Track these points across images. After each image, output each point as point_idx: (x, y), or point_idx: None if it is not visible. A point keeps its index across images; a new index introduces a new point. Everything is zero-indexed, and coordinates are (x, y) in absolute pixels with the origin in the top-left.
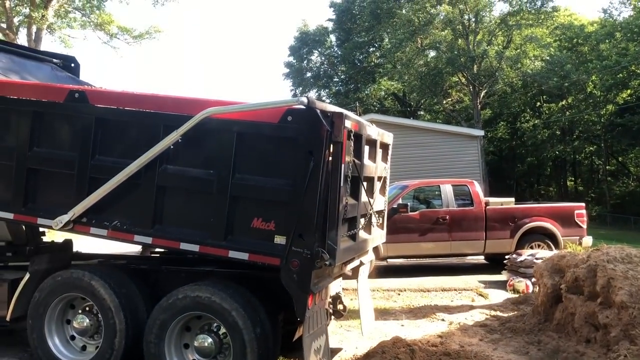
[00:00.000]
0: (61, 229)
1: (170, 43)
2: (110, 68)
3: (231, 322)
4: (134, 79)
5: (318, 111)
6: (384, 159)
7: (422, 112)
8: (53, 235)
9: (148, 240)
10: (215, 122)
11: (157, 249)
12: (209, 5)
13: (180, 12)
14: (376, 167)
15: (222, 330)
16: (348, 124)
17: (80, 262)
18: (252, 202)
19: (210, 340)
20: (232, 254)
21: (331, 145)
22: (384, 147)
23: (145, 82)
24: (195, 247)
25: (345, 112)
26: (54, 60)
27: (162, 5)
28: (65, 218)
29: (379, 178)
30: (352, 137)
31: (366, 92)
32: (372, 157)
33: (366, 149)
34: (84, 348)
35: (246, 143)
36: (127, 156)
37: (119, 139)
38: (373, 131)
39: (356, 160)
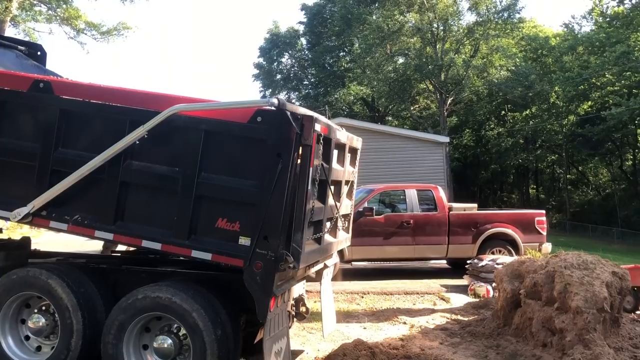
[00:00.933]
0: (20, 222)
1: (140, 41)
2: (77, 64)
3: (191, 323)
4: (102, 76)
5: (288, 113)
6: (352, 163)
7: (390, 118)
8: (10, 233)
9: (109, 236)
10: (183, 120)
11: (118, 249)
12: (180, 5)
13: (152, 11)
14: (344, 171)
15: (182, 331)
16: (318, 127)
17: (38, 260)
18: (217, 202)
19: (170, 341)
20: (195, 253)
21: (300, 148)
22: (353, 151)
23: (113, 80)
24: (157, 245)
25: (315, 115)
26: (20, 47)
27: (132, 2)
28: (24, 210)
29: (347, 182)
30: (321, 141)
31: (335, 96)
32: (341, 161)
33: (335, 152)
34: (39, 349)
35: (214, 142)
36: (92, 150)
37: (83, 132)
38: (342, 135)
39: (324, 164)
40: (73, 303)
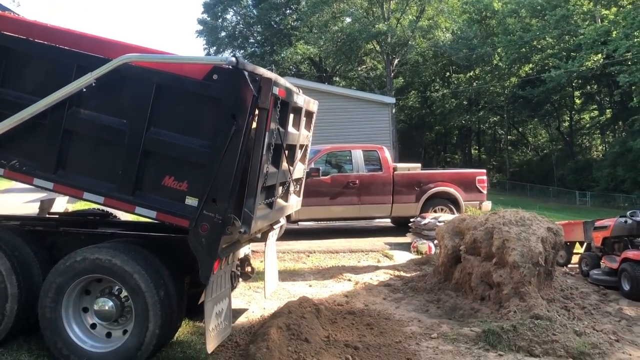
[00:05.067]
0: None
1: None
2: None
3: (133, 285)
4: None
5: (246, 74)
6: (308, 127)
7: (337, 78)
8: None
9: (49, 185)
10: (135, 70)
11: (56, 210)
12: None
13: None
14: (299, 135)
15: (124, 293)
16: (276, 90)
17: None
18: (165, 159)
19: (111, 303)
20: (139, 210)
21: (256, 111)
22: (309, 115)
23: None
24: (99, 199)
25: (274, 77)
26: None
27: None
28: None
29: (301, 146)
30: (278, 105)
31: (282, 55)
32: (296, 124)
33: (291, 116)
34: None
35: (166, 96)
36: (34, 93)
37: (25, 73)
38: (300, 99)
39: (280, 129)
40: (7, 267)
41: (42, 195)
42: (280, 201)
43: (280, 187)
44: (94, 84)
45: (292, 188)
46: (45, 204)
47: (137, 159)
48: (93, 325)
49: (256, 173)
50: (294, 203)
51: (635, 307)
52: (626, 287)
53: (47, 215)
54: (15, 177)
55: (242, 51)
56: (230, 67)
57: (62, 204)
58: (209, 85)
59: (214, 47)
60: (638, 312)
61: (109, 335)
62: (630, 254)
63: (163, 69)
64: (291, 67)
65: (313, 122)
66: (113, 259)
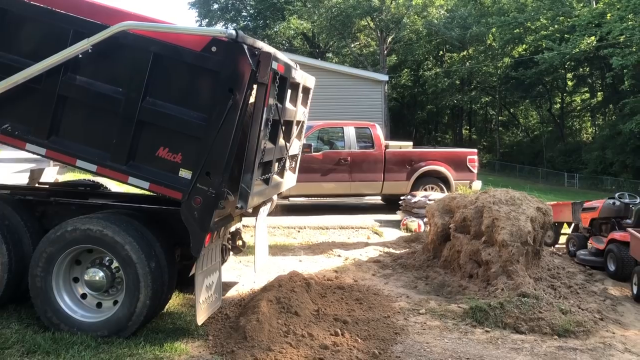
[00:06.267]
0: None
1: None
2: None
3: (124, 256)
4: None
5: (245, 47)
6: (304, 103)
7: (330, 55)
8: None
9: (41, 151)
10: (132, 38)
11: (45, 181)
12: None
13: None
14: (296, 111)
15: (115, 264)
16: (275, 65)
17: None
18: (160, 130)
19: (101, 274)
20: (132, 180)
21: (255, 86)
22: (306, 91)
23: None
24: (92, 167)
25: (273, 52)
26: None
27: None
28: None
29: (297, 122)
30: (277, 80)
31: (275, 29)
32: (294, 100)
33: (289, 92)
34: None
35: (162, 66)
36: (28, 56)
37: (20, 36)
38: (298, 75)
39: (278, 104)
40: None
41: (31, 165)
42: (276, 177)
43: (277, 164)
44: (90, 50)
45: (287, 164)
46: (35, 174)
47: (131, 129)
48: (83, 295)
49: (254, 149)
50: (289, 179)
51: (620, 287)
52: (612, 267)
53: (38, 185)
54: (7, 142)
55: (234, 24)
56: (229, 39)
57: (52, 175)
58: (207, 57)
59: (206, 20)
60: (622, 292)
61: (99, 305)
62: (617, 235)
63: (161, 39)
64: (284, 42)
65: (310, 98)
66: (104, 230)
